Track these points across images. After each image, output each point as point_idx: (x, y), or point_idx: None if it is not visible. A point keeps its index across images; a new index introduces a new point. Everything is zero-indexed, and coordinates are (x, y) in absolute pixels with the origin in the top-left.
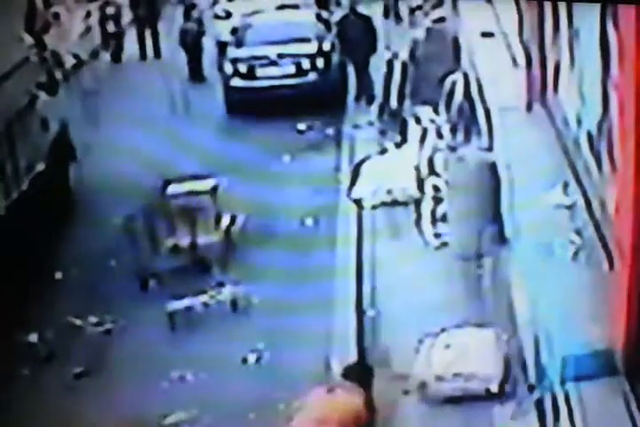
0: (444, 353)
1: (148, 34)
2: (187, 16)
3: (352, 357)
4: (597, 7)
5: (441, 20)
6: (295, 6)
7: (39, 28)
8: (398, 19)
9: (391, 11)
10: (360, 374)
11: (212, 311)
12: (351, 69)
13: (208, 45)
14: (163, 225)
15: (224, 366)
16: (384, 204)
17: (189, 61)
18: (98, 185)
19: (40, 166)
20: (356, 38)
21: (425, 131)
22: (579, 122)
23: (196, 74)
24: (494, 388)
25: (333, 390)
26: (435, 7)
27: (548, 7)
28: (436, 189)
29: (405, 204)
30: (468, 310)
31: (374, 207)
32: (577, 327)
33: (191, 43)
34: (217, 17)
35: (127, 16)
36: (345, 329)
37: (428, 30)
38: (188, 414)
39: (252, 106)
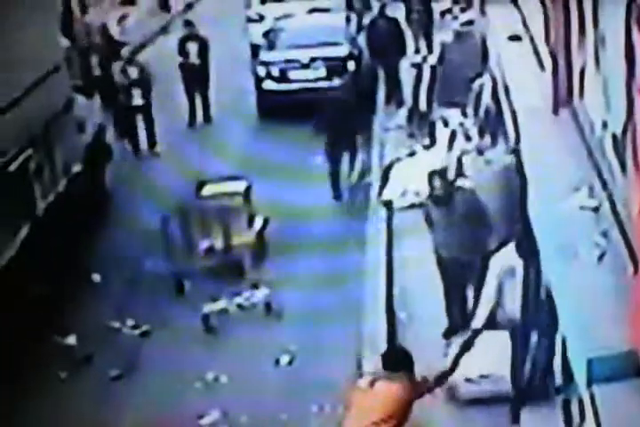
0: (473, 355)
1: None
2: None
3: None
4: (622, 10)
5: (469, 23)
6: (326, 10)
7: (75, 30)
8: (422, 21)
9: (413, 14)
10: (397, 359)
11: (246, 313)
12: (381, 73)
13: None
14: (197, 227)
15: (257, 366)
16: (413, 206)
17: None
18: (134, 187)
19: (77, 168)
20: (386, 42)
21: (453, 133)
22: (604, 125)
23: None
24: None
25: (373, 383)
26: (463, 10)
27: (574, 10)
28: None
29: None
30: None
31: (403, 209)
32: (601, 329)
33: None
34: (250, 20)
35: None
36: (376, 330)
37: (457, 33)
38: (223, 414)
39: (284, 109)
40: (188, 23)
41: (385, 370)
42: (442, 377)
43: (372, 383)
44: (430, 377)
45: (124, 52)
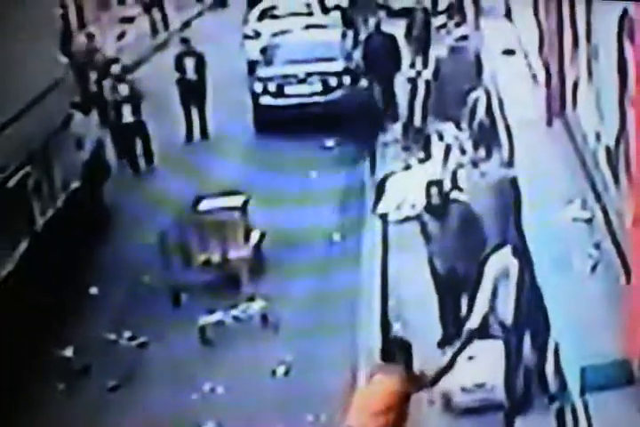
0: (468, 364)
1: None
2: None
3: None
4: (615, 24)
5: (463, 38)
6: (322, 26)
7: (74, 47)
8: (422, 37)
9: (414, 29)
10: (395, 350)
11: (242, 325)
12: (376, 87)
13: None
14: (195, 240)
15: (254, 378)
16: (408, 218)
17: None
18: (132, 202)
19: (75, 184)
20: (381, 57)
21: (448, 147)
22: (597, 137)
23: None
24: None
25: (373, 376)
26: (458, 25)
27: (567, 24)
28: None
29: None
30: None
31: (399, 222)
32: (595, 338)
33: None
34: (246, 37)
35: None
36: (371, 340)
37: (451, 48)
38: (219, 425)
39: (280, 123)
40: (185, 40)
41: (383, 361)
42: (439, 374)
43: (370, 377)
44: (428, 371)
45: (115, 69)
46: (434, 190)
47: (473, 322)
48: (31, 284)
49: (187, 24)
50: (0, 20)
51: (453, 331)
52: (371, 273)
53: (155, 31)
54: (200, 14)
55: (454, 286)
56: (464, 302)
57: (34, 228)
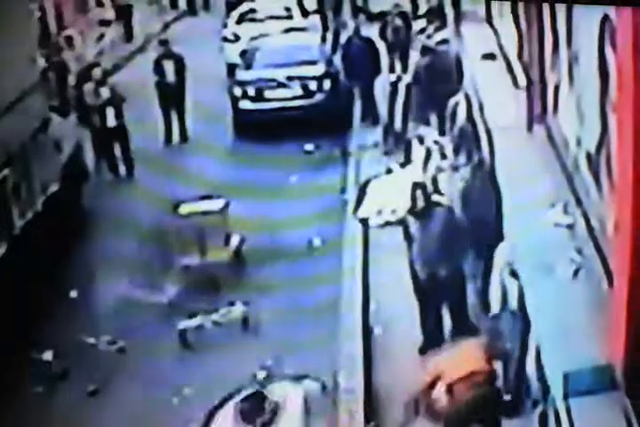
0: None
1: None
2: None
3: (359, 372)
4: (596, 29)
5: (444, 42)
6: (302, 29)
7: (52, 50)
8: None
9: (394, 33)
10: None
11: (222, 330)
12: (356, 91)
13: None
14: (174, 245)
15: (234, 383)
16: (389, 223)
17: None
18: (110, 205)
19: (54, 187)
20: (361, 60)
21: (428, 151)
22: (578, 143)
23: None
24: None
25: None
26: (438, 30)
27: (547, 29)
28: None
29: None
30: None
31: (380, 226)
32: (578, 343)
33: None
34: (225, 40)
35: None
36: (352, 345)
37: (432, 52)
38: None
39: (260, 127)
40: (164, 42)
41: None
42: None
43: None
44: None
45: (96, 72)
46: (419, 193)
47: (494, 309)
48: (10, 287)
49: (166, 26)
50: None
51: (434, 335)
52: (352, 277)
53: (130, 36)
54: (179, 18)
55: (435, 291)
56: (444, 306)
57: (12, 231)
